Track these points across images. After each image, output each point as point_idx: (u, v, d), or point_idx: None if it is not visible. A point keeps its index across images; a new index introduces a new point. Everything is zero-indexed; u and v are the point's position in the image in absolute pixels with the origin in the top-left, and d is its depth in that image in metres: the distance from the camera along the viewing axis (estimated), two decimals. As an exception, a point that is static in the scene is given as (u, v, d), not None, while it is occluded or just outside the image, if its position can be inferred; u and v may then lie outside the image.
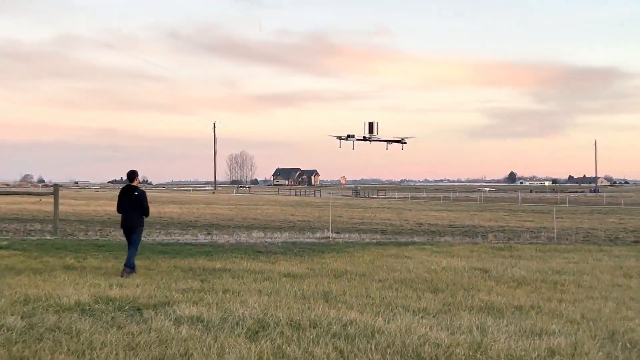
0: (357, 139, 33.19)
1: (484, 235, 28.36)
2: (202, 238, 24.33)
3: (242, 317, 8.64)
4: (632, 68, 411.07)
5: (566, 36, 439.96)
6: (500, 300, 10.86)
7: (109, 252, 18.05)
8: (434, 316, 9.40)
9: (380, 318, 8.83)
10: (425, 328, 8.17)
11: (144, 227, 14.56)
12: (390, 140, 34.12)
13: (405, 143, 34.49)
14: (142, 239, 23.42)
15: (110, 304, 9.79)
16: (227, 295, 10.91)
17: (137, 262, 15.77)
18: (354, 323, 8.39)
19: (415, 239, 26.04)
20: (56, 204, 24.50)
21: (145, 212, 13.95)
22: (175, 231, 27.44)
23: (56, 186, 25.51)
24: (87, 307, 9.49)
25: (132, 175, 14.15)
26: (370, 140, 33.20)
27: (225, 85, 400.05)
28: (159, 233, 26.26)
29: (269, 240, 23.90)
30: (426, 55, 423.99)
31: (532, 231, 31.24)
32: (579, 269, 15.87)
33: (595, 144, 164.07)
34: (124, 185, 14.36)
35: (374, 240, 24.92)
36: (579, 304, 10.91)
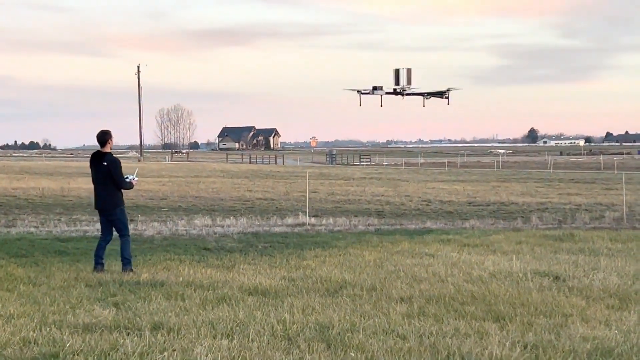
0: (387, 93, 31.37)
1: (523, 217, 26.60)
2: (121, 228, 22.04)
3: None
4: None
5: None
6: (613, 338, 8.68)
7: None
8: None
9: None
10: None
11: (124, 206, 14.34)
12: (429, 94, 32.39)
13: (448, 97, 32.69)
14: (33, 230, 21.34)
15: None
16: (159, 336, 8.58)
17: (8, 270, 13.48)
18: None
19: (429, 224, 24.15)
20: None
21: (118, 185, 13.88)
22: (83, 217, 25.20)
23: None
24: None
25: (103, 137, 13.94)
26: (403, 94, 31.43)
27: (152, 17, 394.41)
28: (59, 220, 23.96)
29: (219, 229, 21.77)
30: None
31: (587, 209, 29.56)
32: (695, 271, 13.89)
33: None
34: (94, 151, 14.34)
35: (371, 228, 22.99)
36: None
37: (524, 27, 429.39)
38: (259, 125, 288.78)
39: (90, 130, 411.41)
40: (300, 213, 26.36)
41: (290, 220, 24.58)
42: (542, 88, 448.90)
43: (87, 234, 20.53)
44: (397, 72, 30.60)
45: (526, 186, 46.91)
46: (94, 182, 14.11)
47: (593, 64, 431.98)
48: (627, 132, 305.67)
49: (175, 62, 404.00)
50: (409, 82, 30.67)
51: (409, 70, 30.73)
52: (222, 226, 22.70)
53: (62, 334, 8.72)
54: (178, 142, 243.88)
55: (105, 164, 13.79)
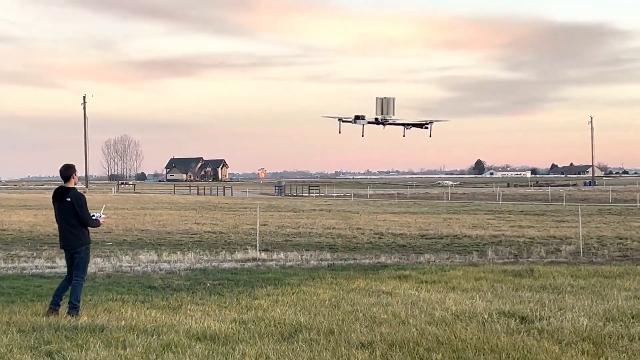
0: (369, 122, 30.97)
1: (478, 251, 26.01)
2: (62, 264, 21.00)
3: None
4: (629, 24, 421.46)
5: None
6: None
7: None
8: None
9: None
10: None
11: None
12: (409, 124, 32.02)
13: (429, 128, 32.29)
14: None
15: None
16: (95, 394, 7.64)
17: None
18: None
19: (383, 258, 23.42)
20: None
21: (83, 222, 13.07)
22: (22, 253, 24.12)
23: None
24: None
25: (66, 172, 13.22)
26: (384, 124, 31.07)
27: (99, 48, 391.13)
28: (-4, 257, 22.76)
29: (165, 265, 20.85)
30: (364, 9, 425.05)
31: (541, 242, 29.08)
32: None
33: (592, 121, 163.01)
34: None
35: (324, 263, 22.24)
36: None
37: (469, 60, 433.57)
38: (207, 156, 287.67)
39: (35, 161, 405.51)
40: (249, 247, 25.53)
41: (239, 255, 23.68)
42: (488, 120, 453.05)
43: (24, 271, 19.53)
44: (381, 101, 30.31)
45: (477, 218, 46.46)
46: (57, 219, 13.31)
47: (537, 96, 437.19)
48: (571, 163, 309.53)
49: (123, 93, 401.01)
50: (392, 112, 30.40)
51: (392, 100, 30.44)
52: (169, 262, 21.75)
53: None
54: (125, 173, 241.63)
55: (69, 199, 13.00)
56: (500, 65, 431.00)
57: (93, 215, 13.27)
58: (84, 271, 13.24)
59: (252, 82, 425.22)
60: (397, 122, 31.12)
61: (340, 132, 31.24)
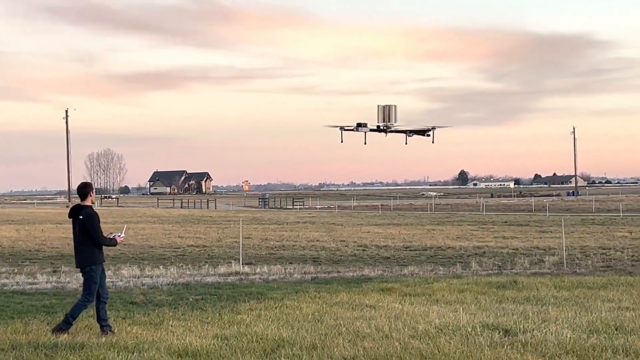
0: (371, 130, 30.84)
1: (461, 262, 26.00)
2: (43, 280, 21.03)
3: None
4: (609, 35, 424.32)
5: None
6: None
7: None
8: None
9: None
10: None
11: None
12: (411, 131, 31.90)
13: (431, 135, 32.21)
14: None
15: None
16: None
17: None
18: None
19: (367, 271, 23.34)
20: None
21: (95, 240, 12.87)
22: (3, 269, 23.97)
23: None
24: None
25: (83, 189, 13.30)
26: (386, 131, 30.94)
27: (81, 61, 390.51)
28: (-24, 273, 22.53)
29: (147, 280, 20.71)
30: (346, 21, 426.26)
31: (525, 253, 29.09)
32: (648, 321, 13.24)
33: (574, 131, 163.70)
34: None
35: (308, 276, 22.13)
36: None
37: (451, 71, 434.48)
38: (191, 169, 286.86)
39: (18, 175, 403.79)
40: (233, 261, 25.41)
41: (223, 269, 23.55)
42: (471, 131, 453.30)
43: (5, 287, 19.32)
44: (383, 108, 30.26)
45: (461, 229, 46.50)
46: (73, 237, 13.23)
47: (520, 106, 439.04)
48: (554, 173, 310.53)
49: (106, 106, 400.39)
50: (395, 119, 30.32)
51: (394, 108, 30.36)
52: (151, 277, 21.61)
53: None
54: (108, 186, 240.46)
55: (81, 217, 12.89)
56: (483, 76, 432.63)
57: (114, 235, 13.18)
58: (91, 292, 12.75)
59: (236, 94, 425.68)
60: (399, 129, 31.02)
61: (342, 141, 31.03)
